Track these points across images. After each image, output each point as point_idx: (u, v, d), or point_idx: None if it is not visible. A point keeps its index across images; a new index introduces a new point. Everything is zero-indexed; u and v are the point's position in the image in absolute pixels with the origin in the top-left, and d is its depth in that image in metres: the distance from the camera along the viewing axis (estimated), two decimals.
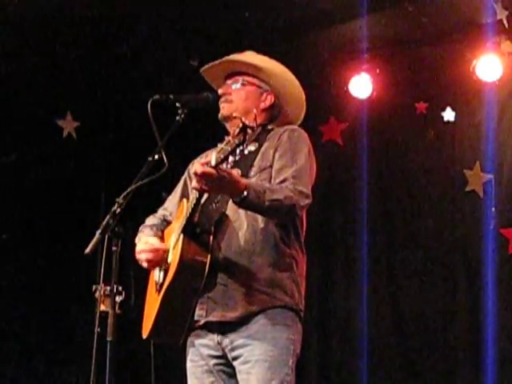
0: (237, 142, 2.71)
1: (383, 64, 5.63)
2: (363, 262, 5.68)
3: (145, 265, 3.11)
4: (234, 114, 3.10)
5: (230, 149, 2.70)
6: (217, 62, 3.30)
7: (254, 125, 2.80)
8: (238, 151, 2.76)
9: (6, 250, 6.45)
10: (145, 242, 3.13)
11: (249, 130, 2.74)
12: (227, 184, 2.77)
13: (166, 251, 3.09)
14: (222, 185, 2.77)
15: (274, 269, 3.03)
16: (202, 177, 2.74)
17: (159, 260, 3.10)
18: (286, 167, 3.04)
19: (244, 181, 2.84)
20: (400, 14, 5.14)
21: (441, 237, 5.53)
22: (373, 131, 5.75)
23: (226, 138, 2.75)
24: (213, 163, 2.69)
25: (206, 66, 3.35)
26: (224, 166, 2.80)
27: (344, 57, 5.67)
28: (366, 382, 5.56)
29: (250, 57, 3.29)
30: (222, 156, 2.70)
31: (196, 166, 2.77)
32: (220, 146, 2.74)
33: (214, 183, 2.75)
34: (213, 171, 2.71)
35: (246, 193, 2.81)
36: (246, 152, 3.01)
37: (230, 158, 2.82)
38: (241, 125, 2.73)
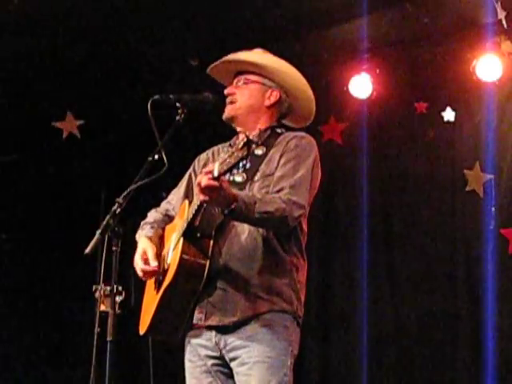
0: (240, 155, 2.72)
1: (383, 64, 5.63)
2: (363, 261, 5.67)
3: (140, 275, 3.15)
4: (238, 127, 3.09)
5: (233, 161, 2.71)
6: (218, 62, 3.31)
7: (259, 140, 2.82)
8: (241, 164, 2.78)
9: (6, 249, 6.46)
10: (143, 252, 3.14)
11: (253, 145, 2.75)
12: (222, 196, 2.79)
13: (161, 266, 3.11)
14: (220, 196, 2.78)
15: (273, 275, 3.04)
16: (205, 188, 2.75)
17: (152, 276, 3.13)
18: (286, 176, 3.05)
19: (234, 192, 2.84)
20: (400, 14, 5.14)
21: (441, 237, 5.53)
22: (373, 131, 5.74)
23: (230, 150, 2.76)
24: (215, 174, 2.71)
25: (211, 66, 3.35)
26: (227, 176, 2.81)
27: (344, 57, 5.66)
28: (366, 382, 5.56)
29: (252, 55, 3.29)
30: (225, 168, 2.71)
31: (200, 176, 2.79)
32: (223, 156, 2.74)
33: (215, 194, 2.77)
34: (215, 183, 2.72)
35: (234, 205, 2.82)
36: (252, 156, 3.02)
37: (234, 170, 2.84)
38: (245, 139, 2.74)
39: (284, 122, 3.35)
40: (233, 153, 2.72)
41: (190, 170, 3.36)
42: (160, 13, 5.07)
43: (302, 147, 3.12)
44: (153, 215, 3.35)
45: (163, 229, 3.28)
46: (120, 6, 5.00)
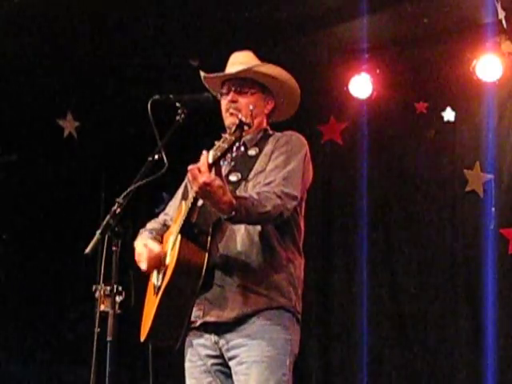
0: (233, 138, 2.72)
1: (383, 64, 5.63)
2: (363, 261, 5.68)
3: (143, 267, 3.13)
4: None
5: (227, 146, 2.72)
6: (221, 74, 3.28)
7: (251, 121, 2.81)
8: (235, 153, 2.76)
9: (6, 249, 6.46)
10: (143, 245, 3.15)
11: (245, 127, 2.75)
12: (215, 195, 2.78)
13: (164, 254, 3.11)
14: (211, 193, 2.78)
15: (271, 271, 3.05)
16: (193, 178, 2.76)
17: (157, 264, 3.12)
18: (277, 168, 3.07)
19: (233, 199, 2.83)
20: (400, 14, 5.13)
21: (441, 237, 5.53)
22: (373, 131, 5.75)
23: (223, 136, 2.77)
24: (210, 161, 2.71)
25: (211, 76, 3.32)
26: (222, 166, 2.81)
27: (344, 57, 5.66)
28: (366, 383, 5.56)
29: (269, 68, 3.26)
30: (219, 153, 2.72)
31: (190, 166, 2.80)
32: (217, 143, 2.75)
33: (208, 186, 2.76)
34: (205, 169, 2.72)
35: (234, 212, 2.82)
36: (246, 156, 3.02)
37: (228, 163, 2.83)
38: (237, 121, 2.74)
39: None
40: (226, 138, 2.73)
41: (186, 180, 3.35)
42: (160, 13, 5.07)
43: (293, 143, 3.16)
44: (151, 224, 3.37)
45: (162, 236, 3.28)
46: (120, 7, 5.00)
